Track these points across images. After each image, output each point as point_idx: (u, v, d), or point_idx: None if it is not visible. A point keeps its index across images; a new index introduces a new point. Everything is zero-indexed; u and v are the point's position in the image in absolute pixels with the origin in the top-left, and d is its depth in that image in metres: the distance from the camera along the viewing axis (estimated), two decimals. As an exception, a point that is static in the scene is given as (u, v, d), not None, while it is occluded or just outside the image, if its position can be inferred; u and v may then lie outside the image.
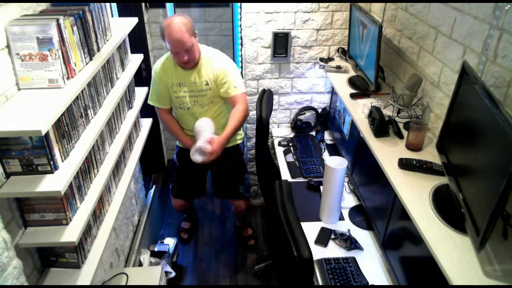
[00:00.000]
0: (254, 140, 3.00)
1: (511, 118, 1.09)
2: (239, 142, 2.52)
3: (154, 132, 3.42)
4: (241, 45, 2.80)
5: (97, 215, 1.57)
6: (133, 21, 1.93)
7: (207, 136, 2.14)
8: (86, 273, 1.42)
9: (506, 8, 1.37)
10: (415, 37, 2.04)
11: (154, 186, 3.10)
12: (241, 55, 2.86)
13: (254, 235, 2.95)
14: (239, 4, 2.67)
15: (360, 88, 2.33)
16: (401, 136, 1.88)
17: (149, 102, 2.34)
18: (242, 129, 2.50)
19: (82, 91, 1.43)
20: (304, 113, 2.91)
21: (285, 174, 2.49)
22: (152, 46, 3.29)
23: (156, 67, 2.29)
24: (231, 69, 2.25)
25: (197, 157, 2.14)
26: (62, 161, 1.30)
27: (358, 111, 2.11)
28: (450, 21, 1.72)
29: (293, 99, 2.91)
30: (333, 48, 2.76)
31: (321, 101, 2.93)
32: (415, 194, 1.51)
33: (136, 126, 2.12)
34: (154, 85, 2.31)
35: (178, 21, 2.07)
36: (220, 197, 2.71)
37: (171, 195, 2.69)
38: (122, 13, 2.66)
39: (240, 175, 2.57)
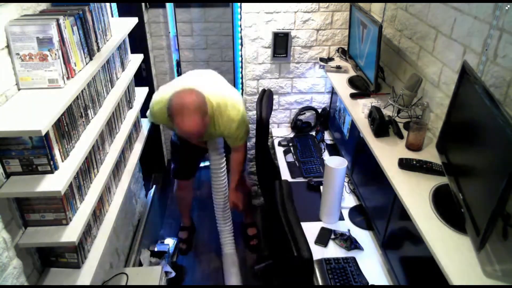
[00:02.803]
0: (254, 140, 3.00)
1: (511, 118, 1.09)
2: None
3: (154, 132, 3.42)
4: (241, 45, 2.80)
5: (97, 215, 1.57)
6: (133, 21, 1.93)
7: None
8: (86, 273, 1.42)
9: (506, 8, 1.37)
10: (415, 37, 2.04)
11: (154, 186, 3.10)
12: (241, 55, 2.86)
13: (257, 235, 2.95)
14: (239, 4, 2.67)
15: (360, 88, 2.33)
16: (401, 136, 1.88)
17: (149, 121, 2.25)
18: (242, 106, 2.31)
19: (82, 91, 1.43)
20: (304, 113, 2.91)
21: (285, 174, 2.49)
22: (152, 46, 3.29)
23: (156, 110, 2.09)
24: (238, 122, 2.11)
25: None
26: (62, 161, 1.30)
27: (358, 111, 2.11)
28: (450, 21, 1.72)
29: (293, 99, 2.91)
30: (333, 48, 2.76)
31: (321, 101, 2.93)
32: (415, 194, 1.51)
33: (136, 126, 2.12)
34: (154, 118, 2.18)
35: (192, 107, 1.84)
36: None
37: (173, 177, 2.69)
38: (122, 13, 2.66)
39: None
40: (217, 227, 2.57)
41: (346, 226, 2.06)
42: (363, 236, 1.99)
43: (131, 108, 2.02)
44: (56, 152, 1.26)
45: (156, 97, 2.12)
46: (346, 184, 2.32)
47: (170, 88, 2.08)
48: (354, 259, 1.84)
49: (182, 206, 2.92)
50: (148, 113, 2.22)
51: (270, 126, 2.86)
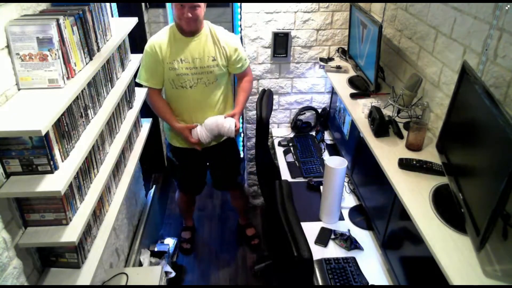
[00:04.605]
0: (254, 140, 3.00)
1: (511, 118, 1.09)
2: None
3: (154, 132, 3.42)
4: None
5: (97, 215, 1.57)
6: (133, 21, 1.93)
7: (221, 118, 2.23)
8: (86, 273, 1.42)
9: (506, 8, 1.37)
10: (415, 37, 2.04)
11: (154, 186, 3.10)
12: (241, 55, 2.86)
13: (257, 234, 2.96)
14: (239, 4, 2.67)
15: (360, 88, 2.33)
16: (401, 136, 1.88)
17: (138, 80, 2.16)
18: None
19: (82, 91, 1.43)
20: (304, 113, 2.91)
21: (285, 174, 2.49)
22: (152, 46, 3.28)
23: (152, 41, 2.13)
24: (239, 44, 2.24)
25: (214, 135, 2.23)
26: (62, 161, 1.30)
27: (358, 111, 2.11)
28: (450, 21, 1.72)
29: (293, 99, 2.91)
30: (333, 48, 2.76)
31: (321, 101, 2.93)
32: (415, 194, 1.51)
33: (136, 126, 2.12)
34: (146, 61, 2.14)
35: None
36: (218, 188, 2.78)
37: (177, 190, 2.69)
38: (122, 13, 2.66)
39: (237, 166, 2.60)
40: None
41: (346, 226, 2.06)
42: (363, 236, 1.99)
43: (131, 108, 2.02)
44: (56, 152, 1.26)
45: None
46: (346, 184, 2.32)
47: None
48: (354, 259, 1.84)
49: (184, 212, 2.93)
50: (139, 73, 2.17)
51: (270, 126, 2.86)
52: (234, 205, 2.91)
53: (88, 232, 1.49)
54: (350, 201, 2.24)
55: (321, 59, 2.74)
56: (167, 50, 2.12)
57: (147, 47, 2.14)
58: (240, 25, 2.74)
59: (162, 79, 2.19)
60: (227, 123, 2.19)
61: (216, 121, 2.19)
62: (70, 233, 1.31)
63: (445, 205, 1.45)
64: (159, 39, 2.13)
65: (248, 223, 3.00)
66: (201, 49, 2.14)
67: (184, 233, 2.95)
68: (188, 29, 2.10)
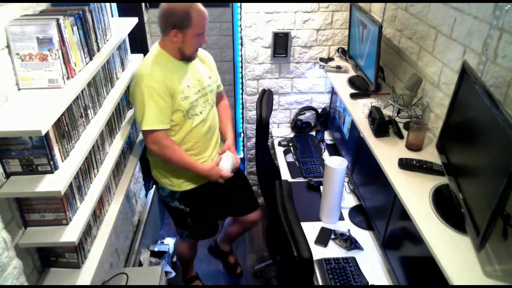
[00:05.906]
0: (254, 140, 3.00)
1: (511, 118, 1.09)
2: None
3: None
4: (241, 45, 2.80)
5: (97, 215, 1.57)
6: (133, 21, 1.93)
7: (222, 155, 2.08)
8: (86, 273, 1.42)
9: (506, 8, 1.37)
10: (415, 37, 2.04)
11: (154, 186, 3.10)
12: (241, 55, 2.86)
13: (238, 262, 2.73)
14: (239, 4, 2.67)
15: (360, 88, 2.33)
16: (401, 136, 1.88)
17: (148, 127, 1.77)
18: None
19: (82, 91, 1.43)
20: (304, 113, 2.91)
21: (285, 174, 2.49)
22: (152, 46, 3.28)
23: (153, 74, 1.74)
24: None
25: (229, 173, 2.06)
26: (62, 161, 1.30)
27: (358, 111, 2.11)
28: (450, 21, 1.72)
29: (293, 99, 2.91)
30: (333, 48, 2.76)
31: (321, 101, 2.93)
32: (415, 194, 1.51)
33: (136, 126, 2.12)
34: (157, 99, 1.73)
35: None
36: (240, 214, 2.35)
37: (185, 240, 2.30)
38: (122, 13, 2.66)
39: (248, 183, 2.40)
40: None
41: (346, 226, 2.06)
42: (363, 236, 1.99)
43: (131, 108, 2.02)
44: (56, 152, 1.26)
45: (142, 70, 1.78)
46: (346, 184, 2.32)
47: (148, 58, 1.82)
48: (354, 259, 1.84)
49: (189, 261, 2.51)
50: (145, 118, 1.75)
51: (270, 126, 2.86)
52: (235, 231, 2.50)
53: (88, 232, 1.49)
54: (350, 201, 2.24)
55: (321, 59, 2.74)
56: (173, 79, 1.79)
57: (151, 83, 1.72)
58: (240, 25, 2.74)
59: (171, 115, 1.83)
60: (229, 161, 2.06)
61: (232, 158, 2.07)
62: (70, 233, 1.31)
63: (445, 205, 1.45)
64: (160, 70, 1.77)
65: (231, 249, 2.70)
66: (196, 69, 1.93)
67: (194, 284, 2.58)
68: (195, 56, 1.89)
